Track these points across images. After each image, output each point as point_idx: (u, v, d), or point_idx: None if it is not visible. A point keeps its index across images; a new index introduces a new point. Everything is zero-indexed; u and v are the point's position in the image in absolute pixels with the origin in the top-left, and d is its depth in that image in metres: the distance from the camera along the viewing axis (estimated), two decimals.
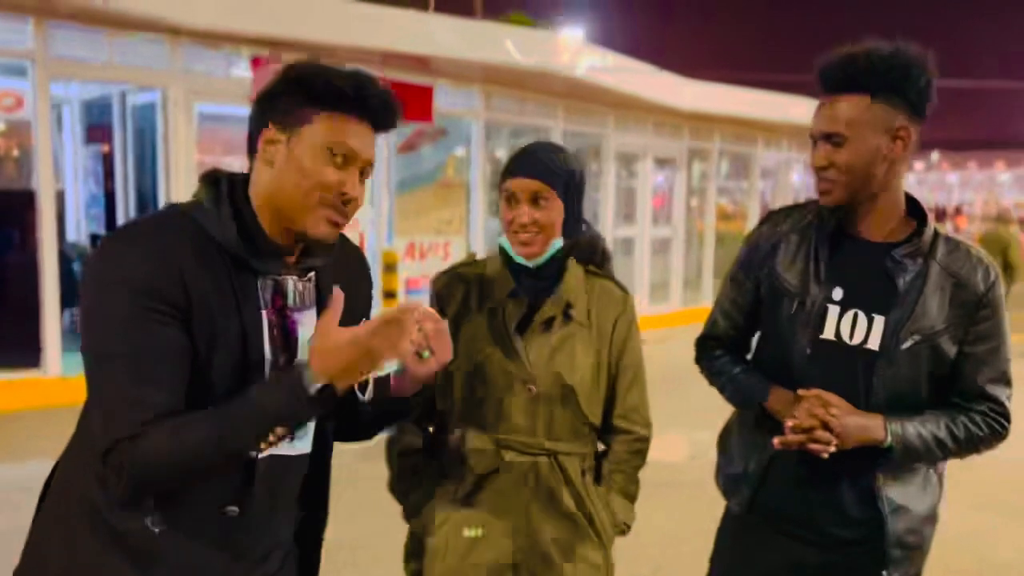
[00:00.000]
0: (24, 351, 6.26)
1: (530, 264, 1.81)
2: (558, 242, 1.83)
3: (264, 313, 1.39)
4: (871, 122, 1.66)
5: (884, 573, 1.78)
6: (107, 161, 8.48)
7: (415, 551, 1.88)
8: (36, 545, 1.43)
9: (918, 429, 1.71)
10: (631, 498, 1.92)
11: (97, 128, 8.65)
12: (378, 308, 7.50)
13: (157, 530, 1.34)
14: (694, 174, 12.71)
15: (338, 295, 1.33)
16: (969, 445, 1.75)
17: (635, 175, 11.62)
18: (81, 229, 8.82)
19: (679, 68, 11.36)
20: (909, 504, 1.78)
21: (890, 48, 1.66)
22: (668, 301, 11.89)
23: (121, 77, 6.98)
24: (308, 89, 1.35)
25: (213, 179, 1.40)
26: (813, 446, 1.66)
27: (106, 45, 6.52)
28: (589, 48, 10.00)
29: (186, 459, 1.25)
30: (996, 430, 1.76)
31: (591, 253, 6.09)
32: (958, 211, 55.65)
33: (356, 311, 1.57)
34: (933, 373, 1.74)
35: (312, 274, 1.48)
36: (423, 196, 8.76)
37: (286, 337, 1.42)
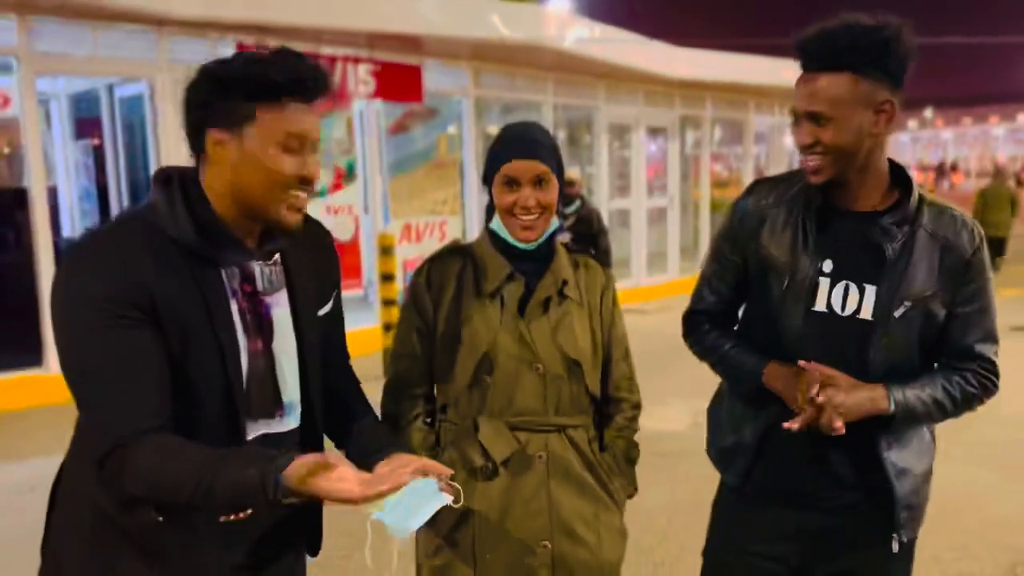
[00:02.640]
0: (25, 350, 6.27)
1: (529, 247, 1.82)
2: (555, 221, 1.85)
3: (234, 302, 1.42)
4: (855, 100, 1.64)
5: (895, 536, 1.80)
6: (98, 155, 8.44)
7: (436, 547, 1.85)
8: (51, 548, 1.47)
9: (918, 393, 1.73)
10: (633, 463, 1.97)
11: (86, 122, 8.61)
12: (376, 291, 7.50)
13: (160, 518, 1.38)
14: (687, 142, 12.67)
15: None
16: (964, 404, 1.79)
17: (628, 146, 11.58)
18: (75, 224, 8.80)
19: (668, 36, 11.30)
20: (911, 466, 1.80)
21: (871, 23, 1.63)
22: (666, 271, 11.90)
23: (107, 70, 6.93)
24: (241, 87, 1.36)
25: (164, 177, 1.42)
26: (826, 428, 1.67)
27: (91, 38, 6.46)
28: (577, 20, 9.91)
29: (163, 489, 1.28)
30: (987, 387, 1.80)
31: (588, 228, 6.11)
32: (954, 168, 55.80)
33: (326, 285, 1.63)
34: (925, 337, 1.76)
35: (278, 256, 1.51)
36: (417, 177, 8.73)
37: (260, 321, 1.45)
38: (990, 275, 1.78)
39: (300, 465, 1.23)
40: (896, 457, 1.78)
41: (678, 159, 12.20)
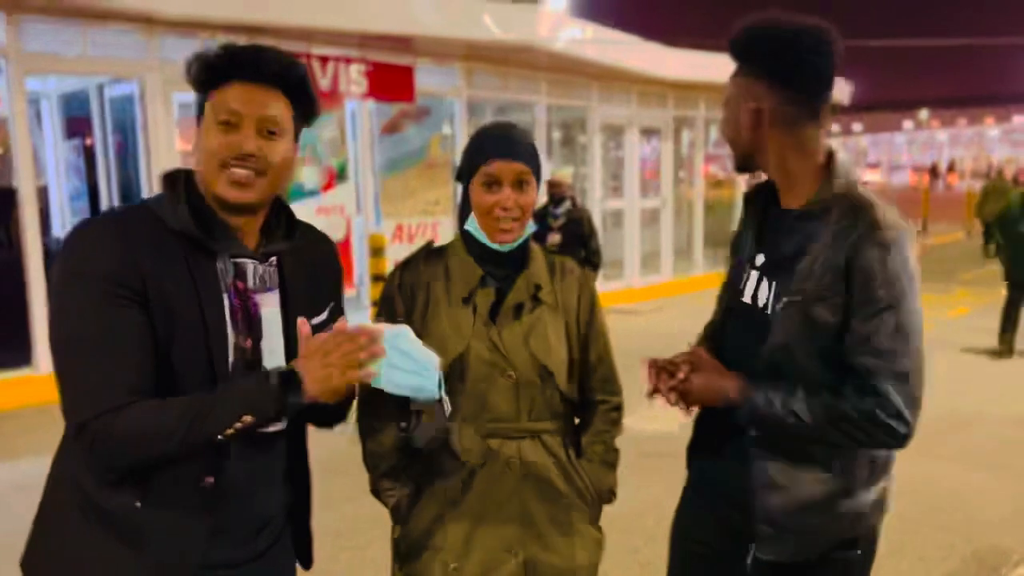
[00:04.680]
0: (15, 349, 6.26)
1: (504, 249, 1.80)
2: (531, 225, 1.83)
3: (226, 297, 1.45)
4: (735, 95, 1.72)
5: (751, 547, 1.71)
6: (89, 154, 8.43)
7: (408, 553, 1.84)
8: (37, 532, 1.50)
9: (771, 395, 1.62)
10: (612, 466, 1.94)
11: (77, 121, 8.59)
12: (368, 292, 7.48)
13: (138, 504, 1.40)
14: (682, 143, 12.68)
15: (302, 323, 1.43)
16: (836, 428, 1.58)
17: (622, 147, 11.59)
18: (66, 224, 8.78)
19: (661, 37, 11.32)
20: (789, 484, 1.67)
21: (767, 22, 1.67)
22: (659, 272, 11.90)
23: (97, 70, 6.92)
24: (193, 80, 1.45)
25: (172, 176, 1.48)
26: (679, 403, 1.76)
27: (80, 38, 6.45)
28: (570, 21, 9.92)
29: (157, 439, 1.33)
30: (875, 420, 1.55)
31: (578, 228, 6.13)
32: (951, 168, 56.26)
33: (322, 295, 1.63)
34: (815, 342, 1.61)
35: (274, 259, 1.54)
36: (409, 177, 8.72)
37: (249, 319, 1.48)
38: (896, 291, 1.55)
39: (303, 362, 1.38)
40: (772, 468, 1.68)
41: (671, 160, 12.21)
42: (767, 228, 1.80)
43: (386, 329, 1.47)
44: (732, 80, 1.73)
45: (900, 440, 1.57)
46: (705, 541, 1.90)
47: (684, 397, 1.73)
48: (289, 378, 1.36)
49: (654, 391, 1.76)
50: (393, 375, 1.46)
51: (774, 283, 1.71)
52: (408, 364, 1.47)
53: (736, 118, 1.72)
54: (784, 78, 1.64)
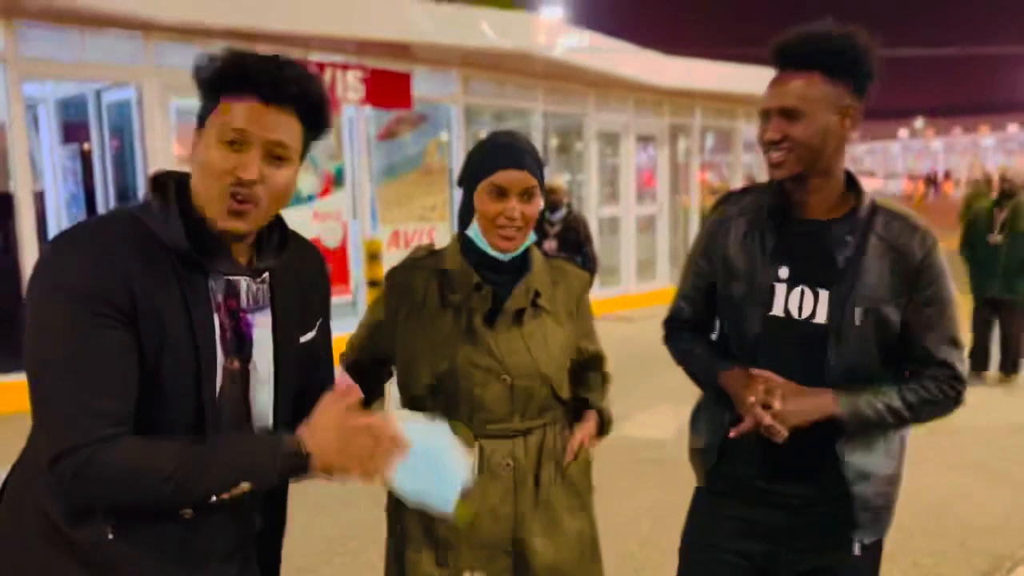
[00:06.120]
0: (6, 354, 6.23)
1: (504, 257, 1.81)
2: (533, 235, 1.86)
3: (216, 315, 1.36)
4: (824, 99, 1.71)
5: (855, 536, 1.83)
6: (86, 159, 8.42)
7: (400, 555, 1.84)
8: None
9: (870, 400, 1.75)
10: (604, 393, 2.04)
11: (74, 126, 8.58)
12: (364, 297, 7.49)
13: (111, 536, 1.31)
14: (678, 151, 12.72)
15: (352, 388, 1.37)
16: (924, 410, 1.79)
17: (618, 154, 11.62)
18: (63, 229, 8.75)
19: (658, 45, 11.37)
20: (873, 469, 1.82)
21: (844, 30, 1.72)
22: (655, 279, 11.94)
23: (94, 75, 6.93)
24: (201, 83, 1.33)
25: (161, 181, 1.37)
26: (769, 434, 1.72)
27: (78, 43, 6.46)
28: (567, 28, 9.96)
29: (146, 483, 1.24)
30: (949, 394, 1.79)
31: (575, 235, 6.18)
32: (947, 176, 56.83)
33: (312, 311, 1.57)
34: (883, 343, 1.78)
35: (266, 275, 1.45)
36: (405, 183, 8.74)
37: (240, 339, 1.40)
38: (947, 279, 1.79)
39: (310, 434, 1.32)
40: (857, 460, 1.80)
41: (667, 167, 12.25)
42: (785, 240, 1.81)
43: (415, 430, 1.40)
44: (812, 82, 1.70)
45: (961, 401, 1.80)
46: (741, 552, 1.90)
47: (783, 423, 1.71)
48: (299, 454, 1.31)
49: (751, 420, 1.72)
50: (413, 481, 1.40)
51: (827, 293, 1.76)
52: (428, 470, 1.41)
53: (823, 121, 1.72)
54: (862, 83, 1.74)
